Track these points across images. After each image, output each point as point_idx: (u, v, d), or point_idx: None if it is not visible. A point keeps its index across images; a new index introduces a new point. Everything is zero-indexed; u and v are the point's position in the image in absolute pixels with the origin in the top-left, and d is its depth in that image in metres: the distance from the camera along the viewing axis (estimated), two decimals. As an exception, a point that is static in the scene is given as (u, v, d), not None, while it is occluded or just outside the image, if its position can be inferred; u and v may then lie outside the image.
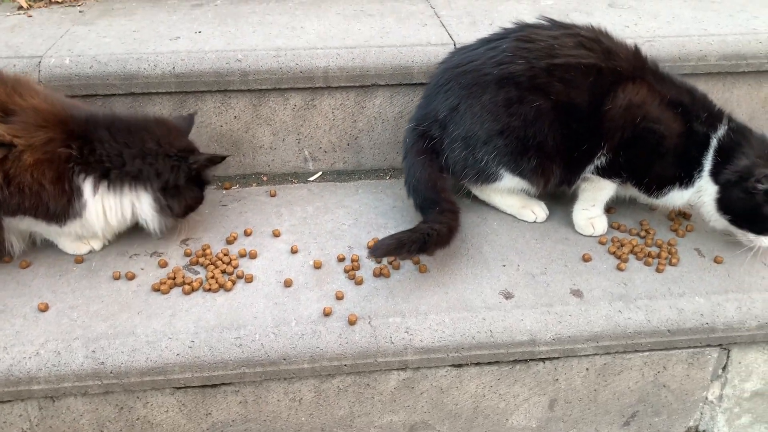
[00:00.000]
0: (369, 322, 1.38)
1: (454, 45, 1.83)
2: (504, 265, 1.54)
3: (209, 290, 1.46)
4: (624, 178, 1.55)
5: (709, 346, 1.46)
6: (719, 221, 1.51)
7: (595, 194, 1.61)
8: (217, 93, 1.80)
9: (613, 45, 1.54)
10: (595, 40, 1.53)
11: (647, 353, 1.45)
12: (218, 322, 1.38)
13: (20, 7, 2.12)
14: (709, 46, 1.87)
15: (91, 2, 2.20)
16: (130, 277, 1.50)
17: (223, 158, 1.56)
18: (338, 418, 1.45)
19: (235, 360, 1.34)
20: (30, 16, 2.07)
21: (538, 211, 1.69)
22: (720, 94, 1.94)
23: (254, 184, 1.89)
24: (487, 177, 1.60)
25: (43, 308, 1.41)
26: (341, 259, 1.56)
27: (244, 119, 1.84)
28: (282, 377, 1.38)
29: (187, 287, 1.46)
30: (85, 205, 1.46)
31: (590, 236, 1.64)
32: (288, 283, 1.48)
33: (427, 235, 1.42)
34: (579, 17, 2.04)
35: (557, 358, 1.43)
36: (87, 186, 1.45)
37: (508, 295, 1.45)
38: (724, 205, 1.46)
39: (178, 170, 1.49)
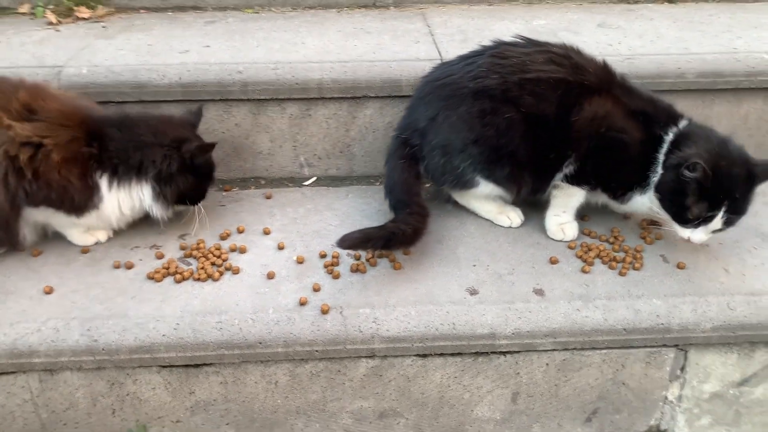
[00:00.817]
0: (340, 312, 1.49)
1: (441, 60, 1.94)
2: (474, 265, 1.63)
3: (198, 279, 1.59)
4: (592, 185, 1.64)
5: (665, 346, 1.53)
6: (655, 203, 1.58)
7: (565, 201, 1.70)
8: (220, 102, 1.94)
9: (582, 61, 1.64)
10: (564, 56, 1.63)
11: (605, 351, 1.53)
12: (203, 308, 1.50)
13: (50, 23, 2.31)
14: (687, 63, 1.95)
15: (114, 19, 2.38)
16: (129, 266, 1.64)
17: (212, 146, 1.67)
18: (312, 401, 1.55)
19: (215, 342, 1.46)
20: (58, 30, 2.26)
21: (513, 216, 1.78)
22: (700, 111, 2.01)
23: (252, 187, 2.03)
24: (465, 183, 1.71)
25: (48, 291, 1.55)
26: (323, 256, 1.67)
27: (244, 127, 1.98)
28: (259, 360, 1.49)
29: (178, 276, 1.59)
30: (102, 198, 1.61)
31: (561, 241, 1.73)
32: (270, 276, 1.60)
33: (393, 234, 1.53)
34: (567, 36, 2.14)
35: (517, 352, 1.52)
36: (103, 182, 1.61)
37: (473, 292, 1.54)
38: (659, 185, 1.54)
39: (169, 159, 1.62)
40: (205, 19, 2.36)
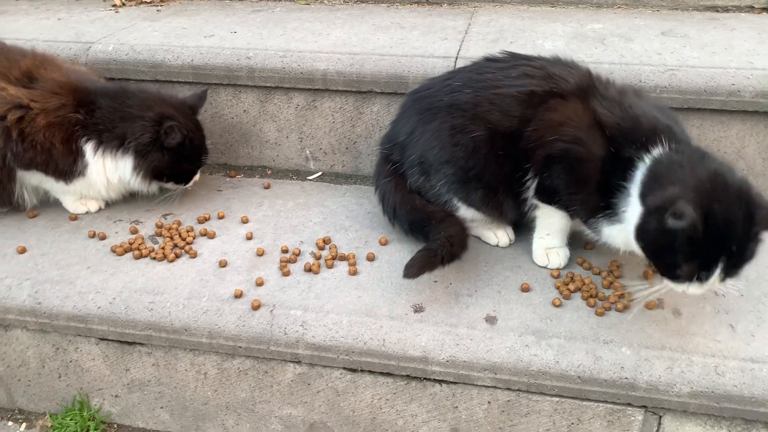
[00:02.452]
0: (271, 311, 1.41)
1: (456, 59, 1.80)
2: (435, 281, 1.48)
3: (154, 258, 1.59)
4: (555, 203, 1.42)
5: (630, 405, 1.29)
6: (636, 248, 1.28)
7: (546, 222, 1.50)
8: (229, 86, 1.94)
9: (561, 71, 1.43)
10: (540, 68, 1.44)
11: (557, 399, 1.32)
12: (144, 286, 1.49)
13: (114, 5, 2.44)
14: (745, 80, 1.65)
15: (173, 3, 2.47)
16: (102, 237, 1.68)
17: (186, 129, 1.65)
18: (241, 399, 1.49)
19: (144, 322, 1.44)
20: (117, 12, 2.38)
21: (500, 235, 1.60)
22: (761, 138, 1.69)
23: (258, 176, 2.01)
24: (444, 205, 1.55)
25: (21, 251, 1.62)
26: (284, 251, 1.60)
27: (252, 113, 1.96)
28: (186, 347, 1.45)
29: (136, 252, 1.59)
30: (87, 165, 1.66)
31: (545, 267, 1.52)
32: (222, 264, 1.55)
33: (450, 237, 1.42)
34: (614, 42, 1.90)
35: (454, 382, 1.35)
36: (88, 148, 1.66)
37: (418, 309, 1.40)
38: (640, 231, 1.24)
39: (146, 133, 1.63)
40: (253, 8, 2.38)
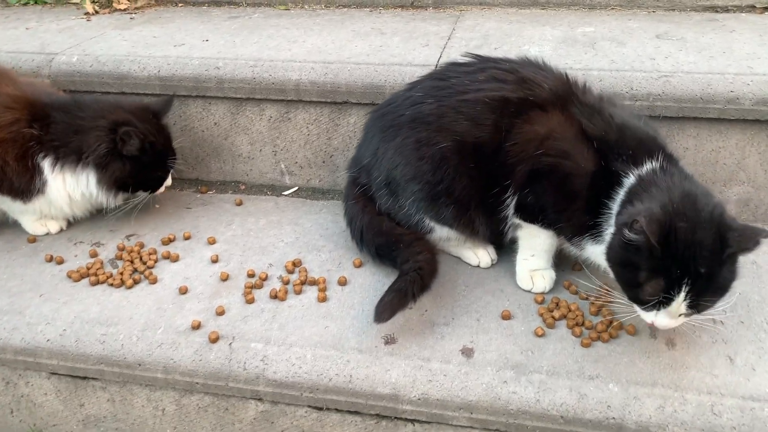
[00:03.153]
0: (230, 344, 1.31)
1: (436, 67, 1.69)
2: (410, 308, 1.37)
3: (112, 285, 1.49)
4: (539, 221, 1.31)
5: (619, 447, 1.18)
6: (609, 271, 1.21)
7: (530, 242, 1.39)
8: (198, 98, 1.83)
9: (534, 75, 1.32)
10: (510, 71, 1.33)
11: (539, 440, 1.20)
12: (98, 316, 1.39)
13: (86, 12, 2.34)
14: (744, 86, 1.53)
15: (149, 11, 2.38)
16: (59, 262, 1.58)
17: (144, 134, 1.55)
18: (202, 437, 1.38)
19: (96, 356, 1.34)
20: (89, 20, 2.29)
21: (481, 255, 1.49)
22: (764, 148, 1.58)
23: (230, 192, 1.90)
24: (417, 227, 1.45)
25: (-29, 278, 1.52)
26: (250, 275, 1.50)
27: (223, 126, 1.85)
28: (142, 383, 1.35)
29: (93, 278, 1.49)
30: (45, 182, 1.57)
31: (529, 291, 1.41)
32: (183, 291, 1.45)
33: (419, 269, 1.31)
34: (606, 45, 1.79)
35: (427, 422, 1.24)
36: (46, 164, 1.56)
37: (389, 341, 1.29)
38: (608, 250, 1.17)
39: (102, 142, 1.53)
40: (230, 14, 2.28)
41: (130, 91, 1.85)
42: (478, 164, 1.31)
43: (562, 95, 1.29)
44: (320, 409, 1.29)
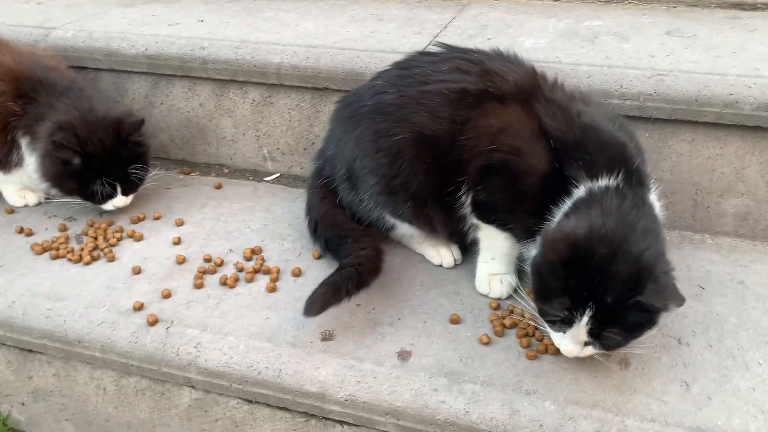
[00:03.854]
0: (167, 328, 1.28)
1: (420, 55, 1.62)
2: (358, 305, 1.32)
3: (70, 260, 1.48)
4: (492, 221, 1.23)
5: (551, 470, 1.09)
6: None
7: (488, 244, 1.31)
8: (184, 78, 1.82)
9: (500, 67, 1.23)
10: (476, 62, 1.24)
11: (469, 454, 1.13)
12: (48, 291, 1.39)
13: (100, -11, 2.36)
14: (746, 89, 1.40)
15: (160, -10, 2.37)
16: (28, 234, 1.59)
17: (70, 138, 1.50)
18: (141, 420, 1.37)
19: (39, 330, 1.34)
20: (102, -4, 2.30)
21: (444, 254, 1.42)
22: (766, 158, 1.44)
23: (213, 175, 1.88)
24: (378, 223, 1.39)
25: (-59, 245, 1.55)
26: (206, 260, 1.47)
27: (208, 108, 1.83)
28: (83, 360, 1.34)
29: (53, 253, 1.50)
30: (23, 158, 1.58)
31: (486, 296, 1.33)
32: (136, 271, 1.44)
33: (359, 265, 1.26)
34: (608, 40, 1.68)
35: (355, 425, 1.19)
36: (24, 141, 1.57)
37: (326, 337, 1.24)
38: (533, 258, 1.11)
39: (45, 137, 1.52)
40: (236, -5, 2.25)
41: (118, 68, 1.85)
42: (435, 159, 1.24)
43: (527, 90, 1.20)
44: (250, 402, 1.25)
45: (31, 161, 1.59)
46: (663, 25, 1.80)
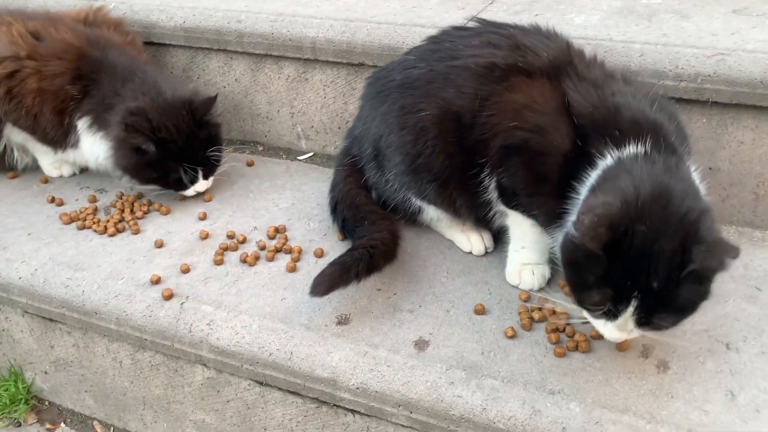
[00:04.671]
0: (182, 303, 1.25)
1: (460, 30, 1.53)
2: (379, 290, 1.26)
3: (96, 231, 1.47)
4: (514, 205, 1.14)
5: (573, 477, 1.00)
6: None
7: (517, 232, 1.22)
8: (221, 52, 1.78)
9: (533, 42, 1.14)
10: (508, 37, 1.15)
11: (485, 453, 1.05)
12: (71, 261, 1.38)
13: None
14: (819, 71, 1.26)
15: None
16: (59, 204, 1.59)
17: (143, 123, 1.43)
18: (156, 396, 1.34)
19: (59, 299, 1.32)
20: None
21: (474, 240, 1.34)
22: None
23: (248, 152, 1.85)
24: (405, 206, 1.33)
25: (-25, 210, 1.56)
26: (230, 236, 1.43)
27: (243, 83, 1.80)
28: (100, 332, 1.33)
29: (79, 223, 1.49)
30: (79, 139, 1.55)
31: (516, 287, 1.24)
32: (158, 244, 1.41)
33: (371, 248, 1.19)
34: (667, 18, 1.55)
35: (366, 415, 1.13)
36: (82, 124, 1.53)
37: (342, 321, 1.18)
38: (560, 244, 1.00)
39: (118, 126, 1.45)
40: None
41: (157, 41, 1.83)
42: (458, 138, 1.16)
43: (558, 66, 1.10)
44: (261, 384, 1.20)
45: (87, 143, 1.54)
46: (729, 4, 1.64)
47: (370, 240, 1.19)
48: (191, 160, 1.49)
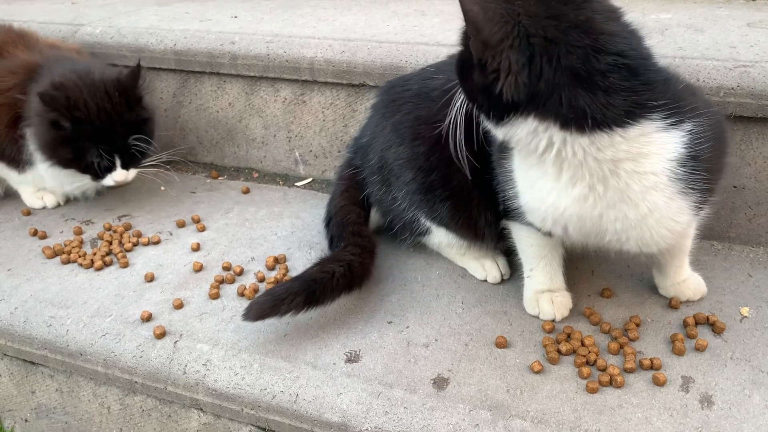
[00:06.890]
0: (175, 342, 1.14)
1: (465, 47, 1.46)
2: (390, 323, 1.16)
3: (81, 265, 1.37)
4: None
5: None
6: None
7: (523, 251, 1.14)
8: (213, 75, 1.71)
9: None
10: None
11: (515, 504, 0.95)
12: (54, 297, 1.28)
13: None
14: None
15: (198, -10, 2.29)
16: (42, 237, 1.49)
17: (57, 95, 1.36)
18: (147, 444, 1.23)
19: (41, 339, 1.22)
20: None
21: (489, 267, 1.25)
22: None
23: (243, 179, 1.76)
24: (412, 227, 1.24)
25: (-47, 246, 1.46)
26: (225, 268, 1.34)
27: (237, 107, 1.71)
28: (86, 375, 1.22)
29: (64, 257, 1.39)
30: (32, 154, 1.47)
31: (537, 317, 1.15)
32: (149, 278, 1.31)
33: (314, 282, 1.11)
34: (680, 32, 1.49)
35: (381, 462, 1.02)
36: (29, 132, 1.45)
37: (352, 358, 1.08)
38: None
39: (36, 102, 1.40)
40: (274, -8, 2.15)
41: (147, 65, 1.74)
42: (482, 149, 1.07)
43: None
44: (264, 429, 1.09)
45: (37, 156, 1.47)
46: (742, 18, 1.60)
47: (320, 272, 1.11)
48: (109, 143, 1.41)
